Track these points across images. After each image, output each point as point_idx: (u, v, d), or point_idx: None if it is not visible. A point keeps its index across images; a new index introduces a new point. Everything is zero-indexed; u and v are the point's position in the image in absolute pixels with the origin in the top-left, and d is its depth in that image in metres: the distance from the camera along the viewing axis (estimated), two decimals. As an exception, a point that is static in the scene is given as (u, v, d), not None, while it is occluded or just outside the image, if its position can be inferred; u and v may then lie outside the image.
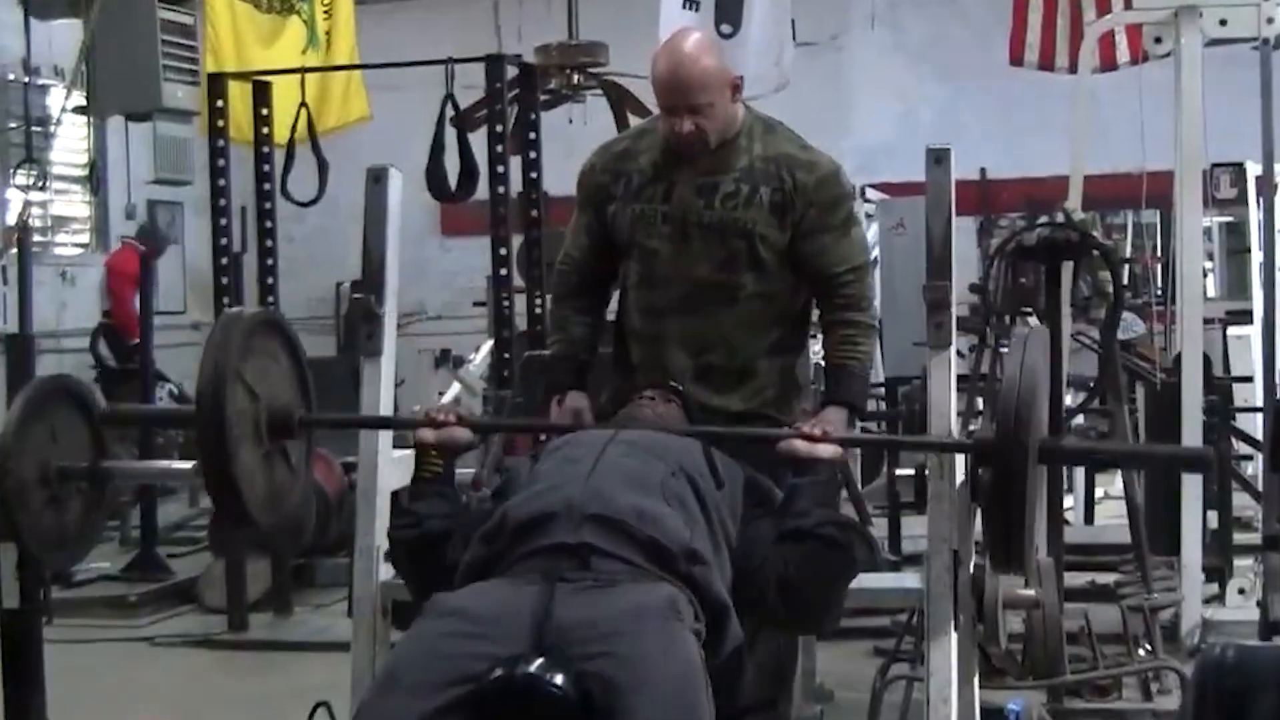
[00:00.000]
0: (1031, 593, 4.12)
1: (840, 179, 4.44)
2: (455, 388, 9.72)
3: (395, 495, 4.06)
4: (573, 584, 3.20)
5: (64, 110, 9.70)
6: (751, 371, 4.42)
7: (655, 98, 4.38)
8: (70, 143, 12.41)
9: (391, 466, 4.10)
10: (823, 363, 4.55)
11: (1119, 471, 7.01)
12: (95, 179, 12.50)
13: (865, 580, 4.00)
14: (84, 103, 9.59)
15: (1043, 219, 6.41)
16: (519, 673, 2.99)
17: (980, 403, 6.72)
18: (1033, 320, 6.39)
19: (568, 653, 3.04)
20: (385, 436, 4.11)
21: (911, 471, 3.91)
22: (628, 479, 3.47)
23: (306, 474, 4.20)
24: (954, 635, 3.75)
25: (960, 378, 7.25)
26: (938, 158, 3.83)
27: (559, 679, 2.99)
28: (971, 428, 6.16)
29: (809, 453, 3.76)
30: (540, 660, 3.01)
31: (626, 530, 3.31)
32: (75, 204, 13.95)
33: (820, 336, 4.50)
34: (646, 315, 4.45)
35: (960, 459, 3.82)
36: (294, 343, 4.15)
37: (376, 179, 4.19)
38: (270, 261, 8.66)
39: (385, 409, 4.14)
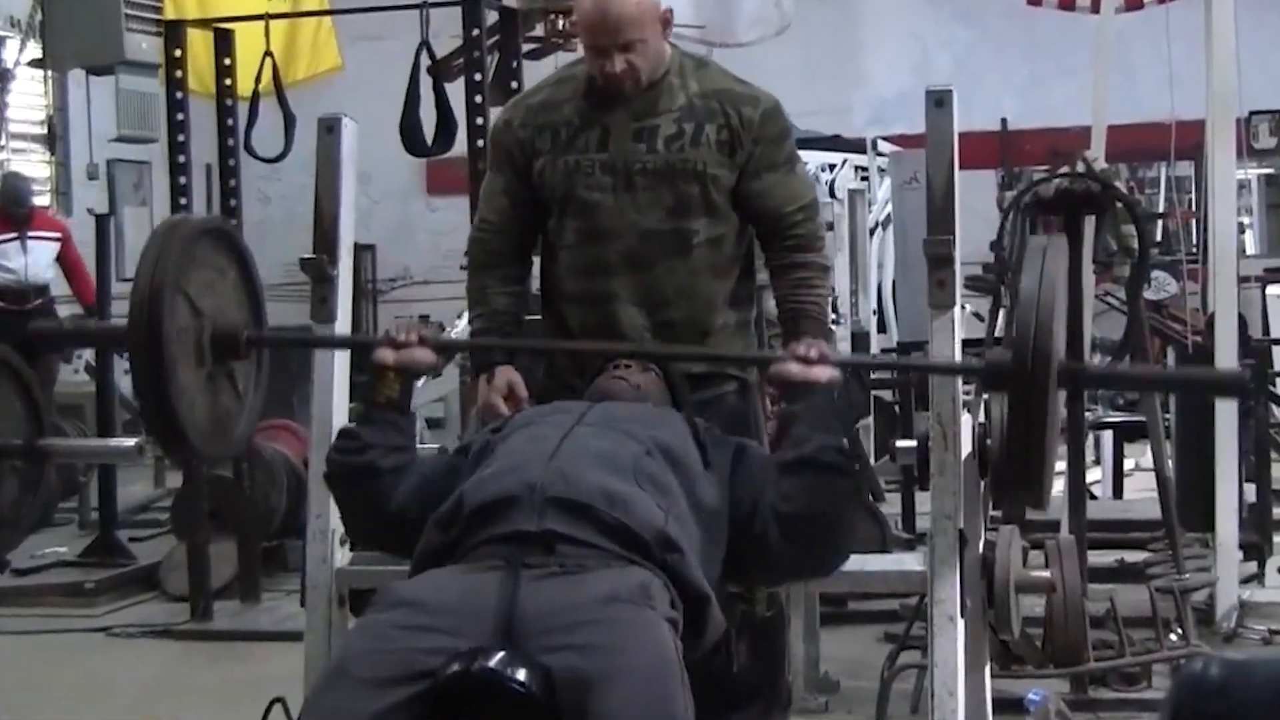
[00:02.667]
0: (1047, 574, 4.06)
1: (782, 113, 4.41)
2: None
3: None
4: (536, 570, 3.11)
5: (18, 63, 9.60)
6: (712, 327, 4.36)
7: (581, 38, 4.34)
8: (27, 98, 12.33)
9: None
10: (775, 311, 4.48)
11: (1149, 442, 6.93)
12: (54, 137, 12.43)
13: (865, 562, 3.92)
14: (40, 55, 9.50)
15: (1062, 169, 6.32)
16: (477, 667, 2.91)
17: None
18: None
19: (532, 644, 2.96)
20: (341, 410, 4.03)
21: (915, 443, 3.82)
22: (596, 459, 3.37)
23: (255, 402, 4.07)
24: (960, 621, 3.67)
25: (974, 342, 7.28)
26: (939, 100, 3.75)
27: (521, 674, 2.91)
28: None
29: (804, 376, 3.66)
30: (501, 654, 2.93)
31: (594, 515, 3.22)
32: (34, 164, 13.85)
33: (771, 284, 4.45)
34: (588, 274, 4.36)
35: (966, 430, 3.75)
36: (245, 256, 4.03)
37: (329, 129, 4.11)
38: (235, 222, 8.55)
39: (340, 379, 4.05)
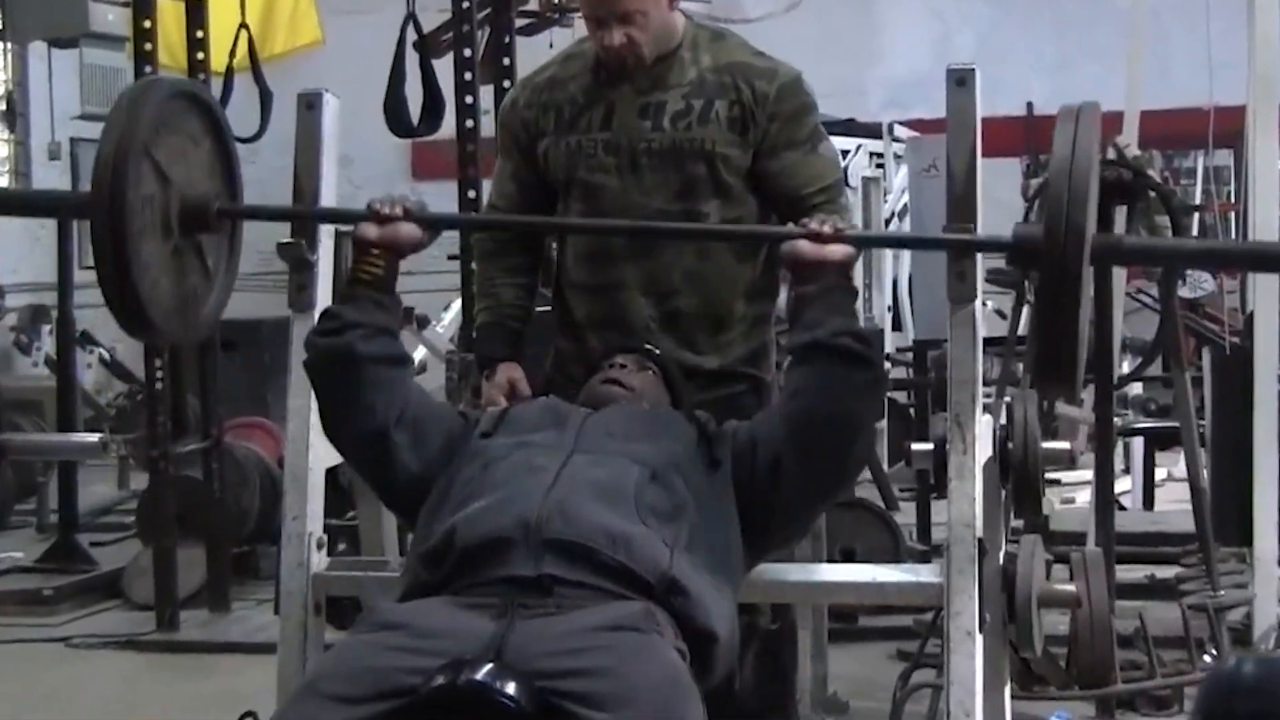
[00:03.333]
0: (1072, 588, 4.06)
1: (803, 86, 4.41)
2: (420, 351, 9.65)
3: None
4: (533, 610, 3.11)
5: (-26, 36, 9.61)
6: (727, 319, 4.36)
7: (580, 9, 4.37)
8: (-16, 72, 12.34)
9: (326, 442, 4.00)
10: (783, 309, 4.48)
11: (1182, 449, 6.93)
12: (13, 114, 12.42)
13: (877, 574, 3.93)
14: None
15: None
16: (464, 679, 2.90)
17: (1020, 369, 6.65)
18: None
19: (530, 668, 2.94)
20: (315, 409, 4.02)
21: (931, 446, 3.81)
22: (596, 492, 3.35)
23: (225, 281, 4.05)
24: (978, 637, 3.67)
25: (996, 340, 7.29)
26: (960, 79, 3.75)
27: (510, 688, 2.89)
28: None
29: (817, 255, 3.60)
30: (489, 666, 2.92)
31: (595, 557, 3.21)
32: (-9, 142, 13.90)
33: None
34: (594, 262, 4.38)
35: (987, 433, 3.74)
36: (221, 124, 4.01)
37: (309, 105, 4.11)
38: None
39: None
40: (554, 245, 4.68)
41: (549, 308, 4.58)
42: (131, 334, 3.86)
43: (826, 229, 3.61)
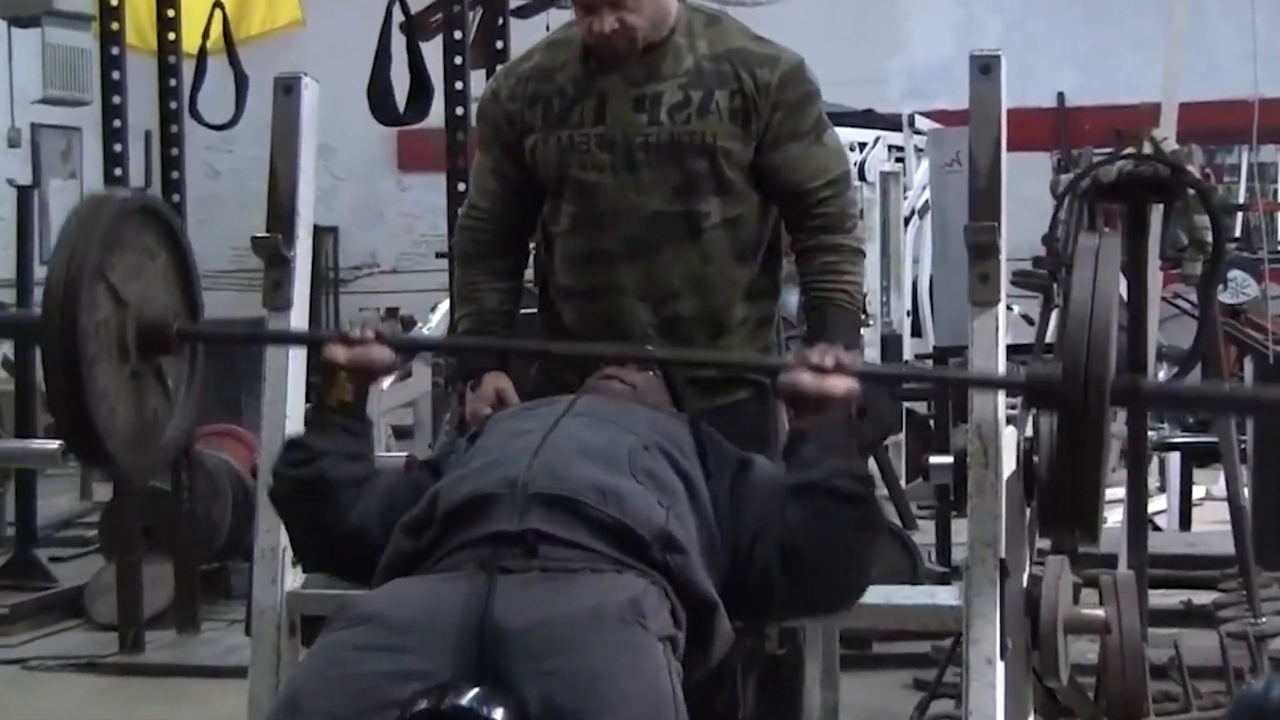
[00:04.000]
0: (1101, 614, 4.06)
1: (806, 73, 4.39)
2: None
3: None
4: (516, 575, 3.14)
5: (-72, 13, 9.61)
6: (728, 323, 4.37)
7: None
8: (-61, 53, 12.34)
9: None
10: (794, 309, 4.49)
11: (1221, 466, 6.95)
12: (-30, 97, 12.43)
13: (893, 597, 3.93)
14: (-46, 3, 9.51)
15: (1126, 151, 6.34)
16: (448, 705, 2.93)
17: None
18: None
19: (506, 666, 2.99)
20: (296, 414, 4.05)
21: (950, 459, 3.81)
22: (587, 452, 3.40)
23: (188, 404, 4.05)
24: (1000, 665, 3.68)
25: (1023, 348, 7.30)
26: (985, 66, 3.76)
27: (498, 714, 2.92)
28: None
29: (817, 390, 3.58)
30: (475, 690, 2.95)
31: (583, 511, 3.24)
32: (-54, 128, 13.88)
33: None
34: (587, 265, 4.38)
35: (1010, 446, 3.76)
36: (177, 236, 4.00)
37: (287, 90, 4.14)
38: (177, 197, 8.57)
39: (295, 378, 4.08)
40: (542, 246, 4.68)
41: (533, 310, 4.58)
42: (88, 467, 3.89)
43: (828, 361, 3.60)
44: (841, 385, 3.59)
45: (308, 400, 4.08)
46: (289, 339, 4.08)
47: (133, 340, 3.80)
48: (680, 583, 3.23)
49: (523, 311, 4.59)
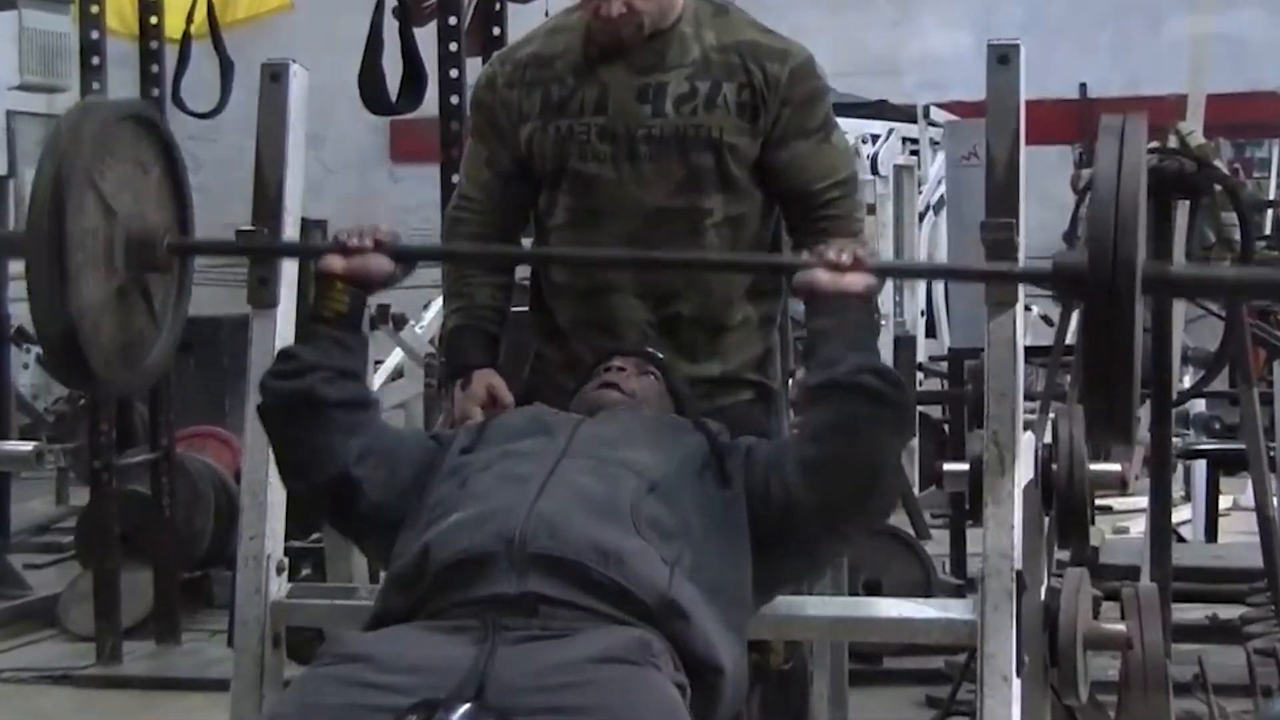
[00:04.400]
0: (1123, 628, 4.06)
1: (816, 69, 4.41)
2: (396, 355, 9.66)
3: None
4: (516, 633, 3.10)
5: (-101, -5, 9.62)
6: (728, 323, 4.38)
7: None
8: (-89, 37, 12.35)
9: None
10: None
11: (1249, 474, 6.94)
12: (-57, 84, 12.44)
13: (904, 610, 3.93)
14: (-74, -15, 9.53)
15: (1151, 145, 6.33)
16: (437, 720, 2.92)
17: (1067, 382, 6.64)
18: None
19: (511, 705, 2.93)
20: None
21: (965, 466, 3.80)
22: (587, 503, 3.34)
23: (174, 326, 4.03)
24: (1016, 682, 3.67)
25: (1040, 349, 7.30)
26: (1003, 55, 3.75)
27: (491, 733, 2.90)
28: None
29: (835, 287, 3.58)
30: (465, 708, 2.91)
31: (584, 574, 3.20)
32: (-82, 116, 13.89)
33: None
34: (582, 264, 4.37)
35: (1028, 452, 3.74)
36: (172, 149, 4.00)
37: (274, 77, 4.12)
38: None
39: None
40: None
41: (524, 308, 4.58)
42: (68, 384, 3.87)
43: (845, 257, 3.59)
44: (860, 281, 3.60)
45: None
46: (286, 250, 4.04)
47: (121, 253, 3.77)
48: (682, 649, 3.20)
49: (513, 310, 4.59)
